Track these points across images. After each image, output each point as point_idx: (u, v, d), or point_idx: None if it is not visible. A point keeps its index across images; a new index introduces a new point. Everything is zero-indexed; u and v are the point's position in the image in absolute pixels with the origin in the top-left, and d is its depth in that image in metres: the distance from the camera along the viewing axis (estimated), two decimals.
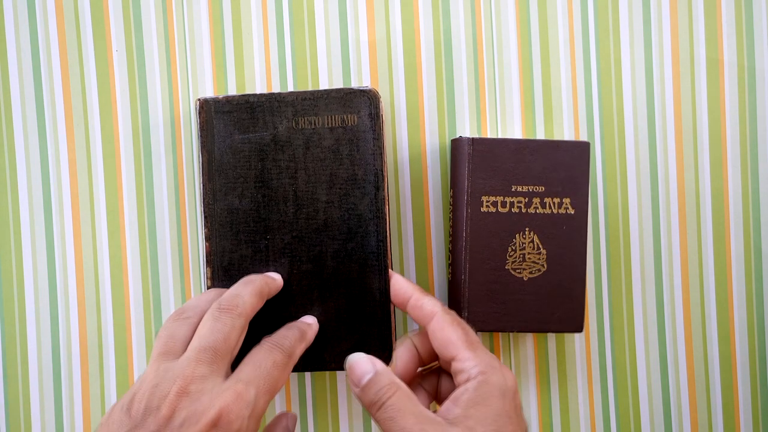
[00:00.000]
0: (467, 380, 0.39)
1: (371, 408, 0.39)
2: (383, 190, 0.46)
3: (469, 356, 0.40)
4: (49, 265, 0.51)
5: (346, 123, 0.46)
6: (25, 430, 0.50)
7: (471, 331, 0.42)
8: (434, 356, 0.45)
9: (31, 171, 0.51)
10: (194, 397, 0.36)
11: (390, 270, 0.47)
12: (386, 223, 0.47)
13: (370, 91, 0.46)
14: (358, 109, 0.47)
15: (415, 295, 0.44)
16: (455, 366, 0.41)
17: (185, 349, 0.39)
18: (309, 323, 0.45)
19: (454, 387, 0.43)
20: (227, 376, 0.39)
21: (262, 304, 0.43)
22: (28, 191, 0.51)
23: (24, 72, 0.51)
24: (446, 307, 0.43)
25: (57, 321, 0.51)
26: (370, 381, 0.40)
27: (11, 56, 0.50)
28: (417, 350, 0.44)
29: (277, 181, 0.47)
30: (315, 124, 0.47)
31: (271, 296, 0.45)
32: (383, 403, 0.39)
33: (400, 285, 0.45)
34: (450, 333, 0.41)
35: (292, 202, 0.47)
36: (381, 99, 0.47)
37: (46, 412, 0.51)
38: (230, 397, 0.36)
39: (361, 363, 0.41)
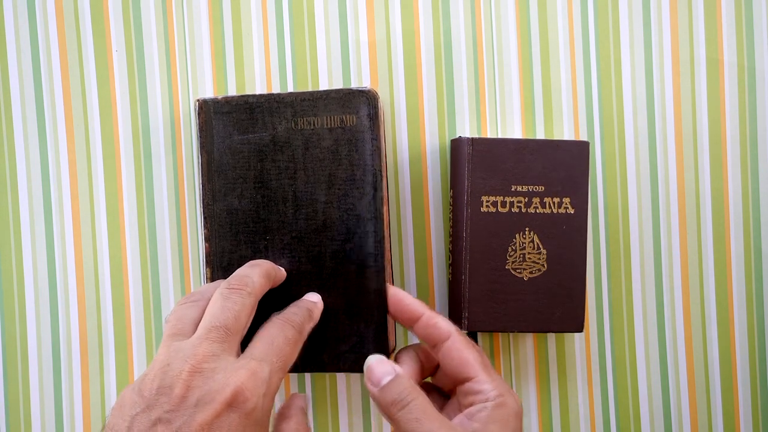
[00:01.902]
0: (485, 400, 0.40)
1: (392, 407, 0.39)
2: (381, 190, 0.46)
3: (486, 378, 0.41)
4: (49, 265, 0.51)
5: (345, 123, 0.46)
6: (25, 429, 0.51)
7: (483, 354, 0.43)
8: (431, 372, 0.45)
9: (31, 171, 0.51)
10: (207, 375, 0.35)
11: (390, 285, 0.46)
12: (384, 224, 0.47)
13: (368, 91, 0.46)
14: (357, 109, 0.46)
15: (427, 313, 0.43)
16: (471, 386, 0.41)
17: (195, 330, 0.39)
18: (314, 301, 0.45)
19: (442, 407, 0.43)
20: (238, 354, 0.38)
21: (269, 287, 0.43)
22: (28, 191, 0.51)
23: (24, 72, 0.51)
24: (457, 327, 0.43)
25: (57, 321, 0.51)
26: (392, 382, 0.40)
27: (11, 56, 0.50)
28: (422, 363, 0.44)
29: (276, 181, 0.47)
30: (314, 125, 0.46)
31: (277, 284, 0.45)
32: (408, 404, 0.39)
33: (409, 301, 0.44)
34: (468, 354, 0.41)
35: (292, 202, 0.47)
36: (380, 99, 0.47)
37: (46, 411, 0.51)
38: (245, 374, 0.35)
39: (382, 364, 0.41)
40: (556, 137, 0.52)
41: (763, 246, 0.53)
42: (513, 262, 0.48)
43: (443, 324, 0.43)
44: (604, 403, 0.52)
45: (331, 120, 0.46)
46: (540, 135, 0.52)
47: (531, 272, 0.48)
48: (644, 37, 0.52)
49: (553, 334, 0.52)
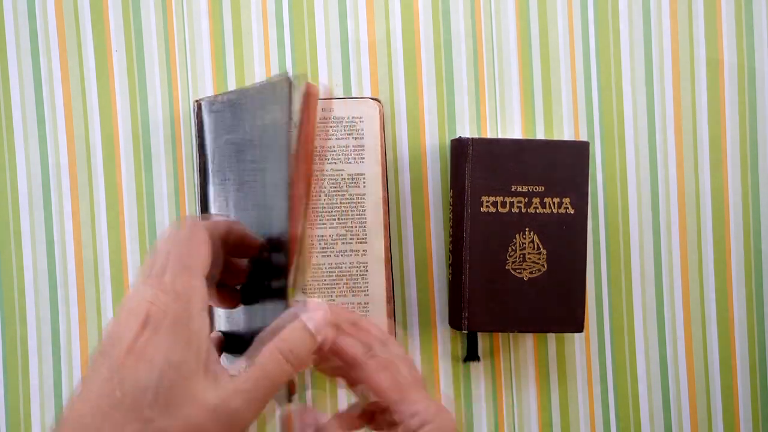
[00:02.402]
0: (415, 429, 0.36)
1: None
2: (288, 201, 0.37)
3: (405, 407, 0.36)
4: (49, 264, 0.51)
5: (284, 117, 0.39)
6: (25, 429, 0.50)
7: (405, 368, 0.38)
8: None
9: (31, 171, 0.51)
10: (129, 304, 0.34)
11: (290, 303, 0.38)
12: (293, 241, 0.37)
13: (286, 77, 0.37)
14: (282, 98, 0.38)
15: (332, 339, 0.37)
16: (397, 413, 0.37)
17: None
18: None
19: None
20: None
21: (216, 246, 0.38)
22: (28, 191, 0.51)
23: (24, 72, 0.51)
24: (374, 340, 0.38)
25: (57, 321, 0.51)
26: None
27: (11, 57, 0.50)
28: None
29: (251, 183, 0.42)
30: (266, 120, 0.40)
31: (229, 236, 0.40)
32: None
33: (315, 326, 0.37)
34: (378, 380, 0.37)
35: (261, 206, 0.41)
36: (298, 86, 0.38)
37: (46, 411, 0.51)
38: (148, 292, 0.33)
39: (305, 414, 0.39)
40: (556, 137, 0.52)
41: (763, 246, 0.53)
42: (513, 262, 0.48)
43: (348, 349, 0.37)
44: (604, 403, 0.52)
45: (277, 112, 0.39)
46: (540, 135, 0.52)
47: (531, 272, 0.48)
48: (644, 37, 0.52)
49: (553, 334, 0.52)
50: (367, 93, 0.51)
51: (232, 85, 0.51)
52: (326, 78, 0.51)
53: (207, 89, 0.51)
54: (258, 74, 0.51)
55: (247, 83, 0.51)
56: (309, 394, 0.52)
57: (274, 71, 0.51)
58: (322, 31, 0.51)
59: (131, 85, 0.51)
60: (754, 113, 0.53)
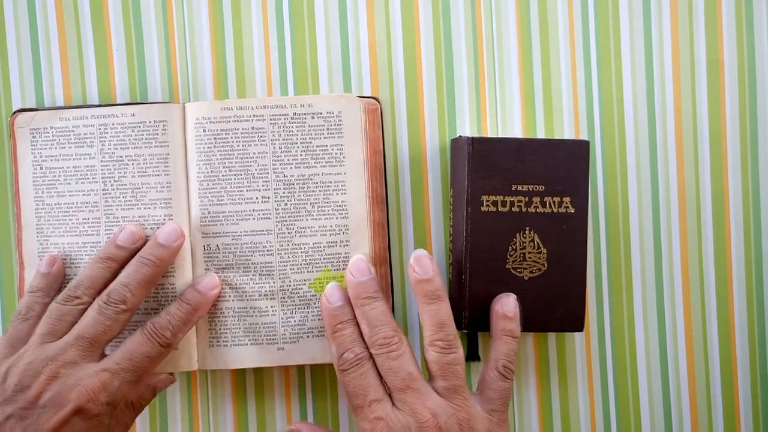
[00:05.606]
0: None
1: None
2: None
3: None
4: None
5: None
6: None
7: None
8: None
9: None
10: (62, 381, 0.39)
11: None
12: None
13: None
14: None
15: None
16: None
17: (68, 332, 0.41)
18: (206, 293, 0.45)
19: None
20: (99, 358, 0.41)
21: (150, 291, 0.44)
22: None
23: (24, 72, 0.51)
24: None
25: None
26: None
27: (11, 56, 0.51)
28: None
29: None
30: None
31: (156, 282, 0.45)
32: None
33: None
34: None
35: None
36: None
37: None
38: (94, 386, 0.39)
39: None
40: (556, 136, 0.52)
41: (763, 245, 0.53)
42: (513, 262, 0.48)
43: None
44: (604, 403, 0.52)
45: None
46: (540, 134, 0.52)
47: (531, 272, 0.48)
48: (644, 37, 0.52)
49: (553, 333, 0.52)
50: (367, 93, 0.51)
51: (232, 85, 0.51)
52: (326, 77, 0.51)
53: (207, 89, 0.51)
54: (258, 74, 0.51)
55: (247, 83, 0.51)
56: None
57: (274, 71, 0.51)
58: (322, 31, 0.51)
59: (131, 85, 0.51)
60: (754, 113, 0.53)
